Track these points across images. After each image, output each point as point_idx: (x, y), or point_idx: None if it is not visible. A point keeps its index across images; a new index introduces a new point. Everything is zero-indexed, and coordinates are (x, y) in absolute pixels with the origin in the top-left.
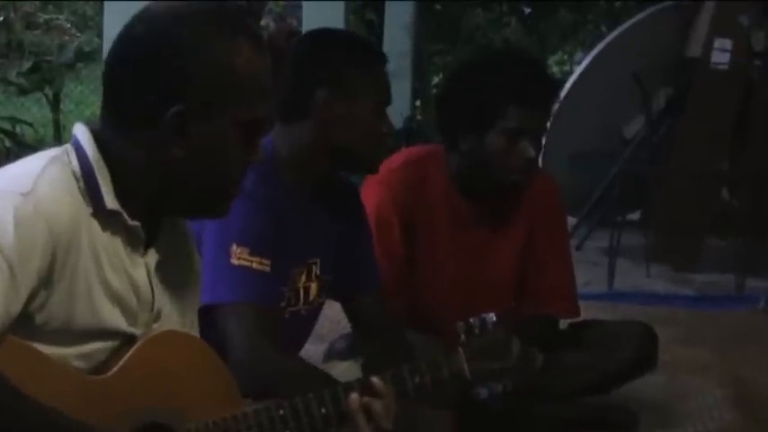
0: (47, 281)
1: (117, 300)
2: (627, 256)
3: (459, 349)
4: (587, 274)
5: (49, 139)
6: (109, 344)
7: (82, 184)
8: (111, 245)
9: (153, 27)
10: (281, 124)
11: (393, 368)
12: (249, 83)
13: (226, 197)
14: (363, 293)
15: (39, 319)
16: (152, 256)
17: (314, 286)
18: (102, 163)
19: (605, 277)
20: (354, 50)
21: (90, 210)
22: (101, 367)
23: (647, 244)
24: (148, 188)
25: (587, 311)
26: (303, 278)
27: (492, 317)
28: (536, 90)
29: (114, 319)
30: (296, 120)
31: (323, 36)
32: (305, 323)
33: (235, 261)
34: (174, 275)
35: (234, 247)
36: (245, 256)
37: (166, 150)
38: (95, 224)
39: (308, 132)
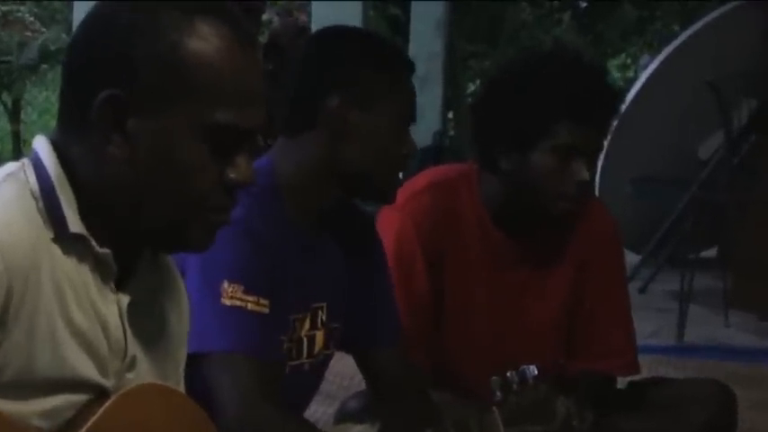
0: (0, 320)
1: (84, 343)
2: (701, 302)
3: (495, 409)
4: (653, 323)
5: (7, 155)
6: (76, 397)
7: (41, 204)
8: (76, 276)
9: (103, 7)
10: (285, 138)
11: None
12: (213, 78)
13: (202, 225)
14: (380, 344)
15: None
16: (126, 293)
17: (319, 335)
18: (64, 179)
19: (674, 327)
20: (375, 52)
21: (51, 234)
22: (65, 427)
23: (726, 287)
24: (109, 206)
25: (652, 367)
26: (306, 326)
27: (533, 370)
28: (593, 101)
29: (82, 366)
30: (301, 131)
31: (337, 33)
32: (309, 379)
33: (227, 301)
34: (154, 318)
35: (225, 284)
36: (239, 294)
37: (104, 149)
38: (57, 251)
39: (315, 145)
